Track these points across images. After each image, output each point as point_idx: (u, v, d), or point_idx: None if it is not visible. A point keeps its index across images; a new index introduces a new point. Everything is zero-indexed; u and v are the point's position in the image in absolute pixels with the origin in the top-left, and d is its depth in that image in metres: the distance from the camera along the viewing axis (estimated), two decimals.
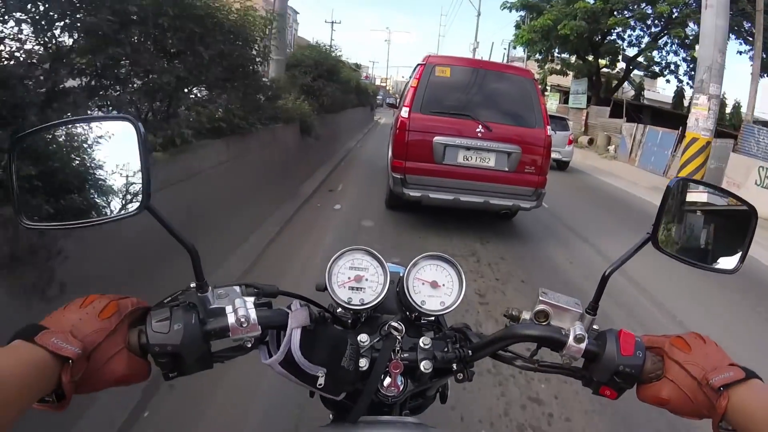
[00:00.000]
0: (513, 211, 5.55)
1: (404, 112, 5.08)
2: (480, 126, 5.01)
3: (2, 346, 0.49)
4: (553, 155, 11.85)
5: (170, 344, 0.59)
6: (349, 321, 0.82)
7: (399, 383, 0.75)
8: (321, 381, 0.67)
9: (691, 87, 21.32)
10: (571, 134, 13.00)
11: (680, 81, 22.09)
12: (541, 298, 0.73)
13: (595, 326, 0.72)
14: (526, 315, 0.75)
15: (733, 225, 0.79)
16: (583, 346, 0.68)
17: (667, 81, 22.55)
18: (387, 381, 0.75)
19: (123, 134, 0.63)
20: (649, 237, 0.72)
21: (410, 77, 6.07)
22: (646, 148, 14.47)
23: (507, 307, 0.79)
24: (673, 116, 20.94)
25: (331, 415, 0.87)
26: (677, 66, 21.40)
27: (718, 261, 0.78)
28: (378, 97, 33.89)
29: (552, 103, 25.14)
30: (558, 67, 25.05)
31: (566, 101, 25.66)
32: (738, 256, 0.76)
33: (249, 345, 0.65)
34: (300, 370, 0.65)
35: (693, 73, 19.81)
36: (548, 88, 26.67)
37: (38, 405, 0.51)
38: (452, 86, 5.27)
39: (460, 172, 5.08)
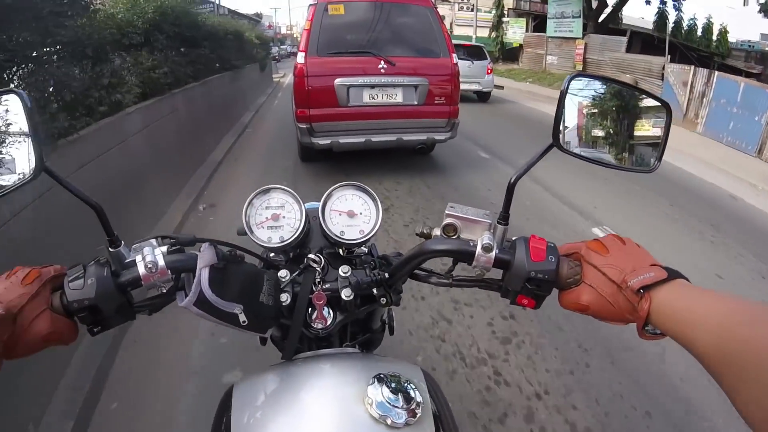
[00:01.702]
0: (429, 145, 5.77)
1: (300, 57, 5.04)
2: (382, 62, 5.08)
3: None
4: (473, 86, 12.13)
5: (86, 298, 0.65)
6: (283, 263, 0.86)
7: (326, 315, 0.80)
8: (242, 318, 0.70)
9: (677, 9, 18.65)
10: (490, 63, 13.04)
11: (663, 2, 18.67)
12: (447, 212, 0.75)
13: (513, 237, 0.73)
14: (437, 231, 0.77)
15: (646, 123, 0.79)
16: (492, 255, 0.70)
17: (647, 2, 18.91)
18: (315, 315, 0.79)
19: (11, 107, 0.69)
20: (553, 142, 0.72)
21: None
22: (716, 108, 9.30)
23: (417, 226, 0.82)
24: (660, 42, 16.06)
25: None
26: None
27: (633, 160, 0.79)
28: (282, 47, 32.21)
29: (515, 32, 21.52)
30: None
31: (538, 28, 20.82)
32: (655, 154, 0.78)
33: (164, 291, 0.69)
34: (216, 309, 0.68)
35: None
36: (505, 12, 22.68)
37: None
38: (348, 24, 5.27)
39: (368, 113, 5.17)
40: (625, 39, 15.00)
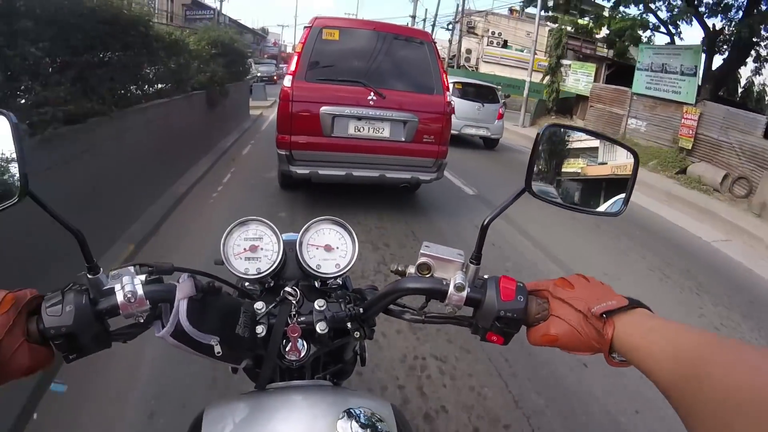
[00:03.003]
0: (413, 184, 5.67)
1: (287, 81, 4.95)
2: (372, 93, 5.00)
3: None
4: (480, 132, 11.50)
5: (63, 326, 0.65)
6: (257, 293, 0.90)
7: (300, 347, 0.83)
8: (218, 349, 0.72)
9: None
10: (502, 107, 11.96)
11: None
12: (422, 251, 0.79)
13: (485, 276, 0.78)
14: (411, 269, 0.80)
15: (616, 169, 0.85)
16: (463, 294, 0.74)
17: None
18: (289, 346, 0.82)
19: None
20: (524, 187, 0.77)
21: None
22: None
23: (394, 263, 0.85)
24: None
25: None
26: None
27: (602, 205, 0.85)
28: (282, 65, 30.41)
29: (579, 79, 16.93)
30: (590, 21, 16.58)
31: (615, 79, 16.71)
32: (622, 199, 0.83)
33: (142, 320, 0.70)
34: (192, 340, 0.70)
35: None
36: (564, 52, 18.03)
37: None
38: (342, 51, 5.20)
39: (351, 145, 5.06)
40: (764, 119, 9.69)
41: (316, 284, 0.91)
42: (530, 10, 18.64)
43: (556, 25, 18.15)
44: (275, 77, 25.13)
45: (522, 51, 23.56)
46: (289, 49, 59.14)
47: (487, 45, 26.08)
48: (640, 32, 14.61)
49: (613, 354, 0.64)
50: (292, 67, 5.03)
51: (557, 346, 0.69)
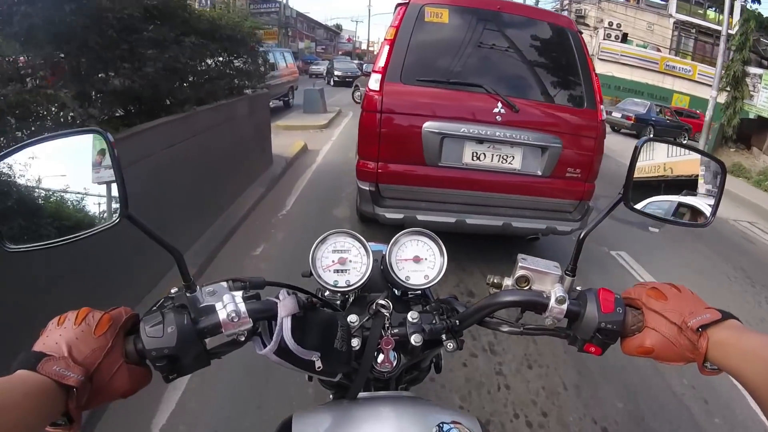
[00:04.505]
0: (544, 235, 4.08)
1: (373, 82, 3.48)
2: (500, 104, 3.47)
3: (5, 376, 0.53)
4: None
5: (166, 347, 0.65)
6: (338, 303, 0.93)
7: (392, 359, 0.85)
8: (318, 364, 0.74)
9: None
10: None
11: None
12: (520, 264, 0.80)
13: (578, 287, 0.80)
14: (508, 281, 0.81)
15: (704, 180, 0.89)
16: (564, 307, 0.76)
17: None
18: (380, 358, 0.84)
19: (94, 147, 0.70)
20: (621, 198, 0.81)
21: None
22: None
23: (489, 275, 0.84)
24: None
25: (331, 395, 1.00)
26: None
27: (691, 216, 0.90)
28: (354, 62, 26.81)
29: None
30: None
31: None
32: (710, 210, 0.87)
33: (243, 338, 0.72)
34: (295, 356, 0.72)
35: None
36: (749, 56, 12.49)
37: (51, 428, 0.57)
38: (453, 40, 3.63)
39: (466, 179, 3.58)
40: None
41: (396, 292, 0.94)
42: None
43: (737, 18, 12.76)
44: (356, 77, 20.49)
45: (645, 47, 20.09)
46: (364, 46, 58.44)
47: (604, 38, 21.96)
48: None
49: (705, 363, 0.66)
50: (381, 62, 3.53)
51: (652, 357, 0.71)
